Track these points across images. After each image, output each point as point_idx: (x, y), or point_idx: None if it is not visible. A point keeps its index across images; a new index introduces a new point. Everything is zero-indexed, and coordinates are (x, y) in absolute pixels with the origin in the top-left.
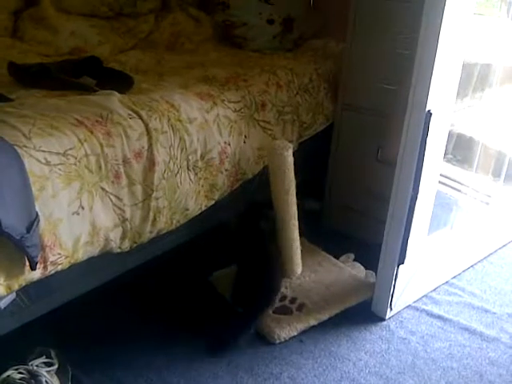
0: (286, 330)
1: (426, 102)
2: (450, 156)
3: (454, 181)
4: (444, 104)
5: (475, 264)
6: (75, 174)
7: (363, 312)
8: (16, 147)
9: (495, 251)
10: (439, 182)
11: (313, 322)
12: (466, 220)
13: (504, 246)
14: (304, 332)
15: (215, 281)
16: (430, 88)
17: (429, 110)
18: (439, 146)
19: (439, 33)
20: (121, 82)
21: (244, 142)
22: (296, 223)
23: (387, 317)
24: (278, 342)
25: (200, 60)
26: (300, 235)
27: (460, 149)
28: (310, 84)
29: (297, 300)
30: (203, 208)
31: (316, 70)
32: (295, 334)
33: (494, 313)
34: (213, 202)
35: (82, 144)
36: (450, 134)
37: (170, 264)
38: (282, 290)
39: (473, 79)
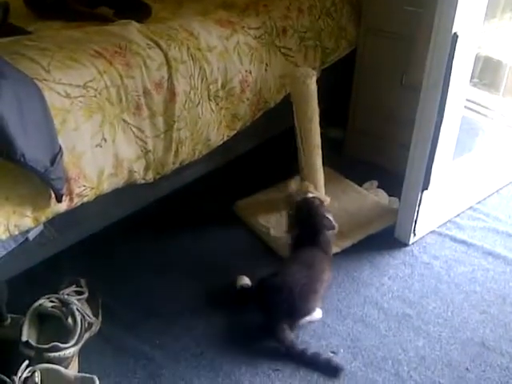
0: None
1: (452, 24)
2: (476, 80)
3: (480, 105)
4: (471, 26)
5: (500, 189)
6: (96, 106)
7: (386, 238)
8: (36, 81)
9: None
10: (465, 106)
11: (336, 250)
12: (491, 145)
13: None
14: None
15: (238, 209)
16: (457, 9)
17: (455, 33)
18: (465, 69)
19: None
20: (138, 10)
21: (265, 70)
22: (320, 152)
23: (410, 242)
24: None
25: None
26: (323, 163)
27: (487, 72)
28: (332, 8)
29: None
30: (225, 138)
31: None
32: None
33: None
34: (235, 132)
35: (102, 75)
36: (477, 57)
37: (193, 194)
38: None
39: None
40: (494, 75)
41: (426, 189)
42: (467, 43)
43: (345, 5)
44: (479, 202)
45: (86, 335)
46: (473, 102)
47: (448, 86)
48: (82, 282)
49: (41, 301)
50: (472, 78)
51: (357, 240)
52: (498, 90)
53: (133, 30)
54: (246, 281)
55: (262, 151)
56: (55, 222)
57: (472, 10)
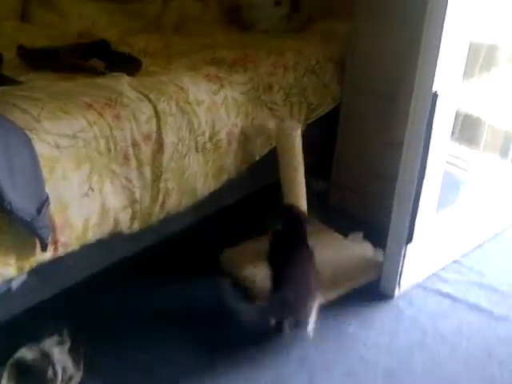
0: None
1: (432, 84)
2: (457, 135)
3: (462, 160)
4: (450, 85)
5: (483, 243)
6: (85, 156)
7: (372, 291)
8: (26, 130)
9: (503, 230)
10: (447, 161)
11: (322, 301)
12: (473, 199)
13: None
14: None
15: (224, 260)
16: (436, 69)
17: (435, 92)
18: (446, 126)
19: (445, 13)
20: (129, 64)
21: (252, 124)
22: (305, 203)
23: (396, 295)
24: None
25: (207, 42)
26: (309, 215)
27: (467, 128)
28: (317, 65)
29: None
30: (212, 189)
31: (323, 52)
32: None
33: (503, 291)
34: (221, 184)
35: (92, 126)
36: (457, 114)
37: (179, 245)
38: None
39: (479, 59)
40: (474, 131)
41: (410, 242)
42: (447, 101)
43: (329, 63)
44: (463, 256)
45: None
46: (454, 156)
47: (429, 142)
48: (65, 331)
49: (21, 351)
50: (453, 133)
51: (342, 292)
52: (479, 146)
53: (123, 83)
54: None
55: (247, 203)
56: (39, 270)
57: (451, 70)
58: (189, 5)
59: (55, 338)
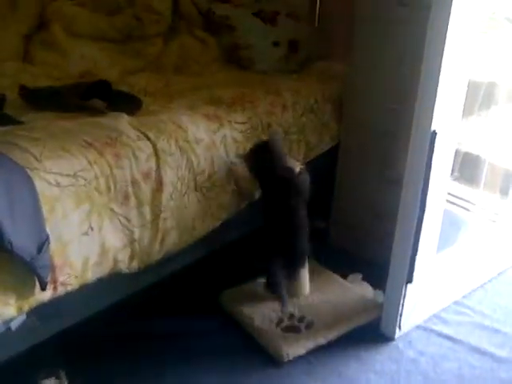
0: (293, 349)
1: (430, 122)
2: (456, 174)
3: (462, 199)
4: (449, 123)
5: (485, 283)
6: (85, 195)
7: (372, 332)
8: (27, 169)
9: (505, 270)
10: (447, 200)
11: (321, 341)
12: (474, 238)
13: None
14: (312, 351)
15: (223, 300)
16: (435, 108)
17: (434, 130)
18: (445, 164)
19: (443, 53)
20: (130, 104)
21: None
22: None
23: (396, 337)
24: (285, 360)
25: (207, 82)
26: (308, 255)
27: (467, 167)
28: (315, 105)
29: (305, 318)
30: (211, 228)
31: (321, 91)
32: (303, 352)
33: (505, 333)
34: (220, 222)
35: (92, 166)
36: (457, 153)
37: (179, 284)
38: (290, 309)
39: (478, 98)
40: (474, 170)
41: (410, 282)
42: (446, 140)
43: (327, 102)
44: (464, 297)
45: None
46: (454, 195)
47: (428, 180)
48: (62, 373)
49: None
50: (452, 172)
51: (342, 332)
52: (479, 184)
53: (123, 122)
54: None
55: (247, 241)
56: (38, 310)
57: (450, 109)
58: (189, 45)
59: (53, 379)
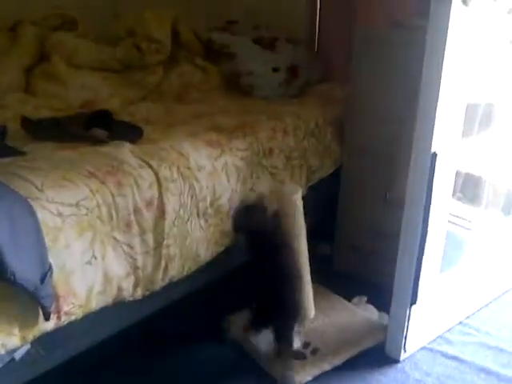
0: (300, 376)
1: (430, 144)
2: (459, 194)
3: (464, 219)
4: (449, 144)
5: (489, 303)
6: (87, 224)
7: (377, 355)
8: (29, 199)
9: (509, 289)
10: (449, 221)
11: (327, 367)
12: (477, 258)
13: None
14: (318, 377)
15: (227, 326)
16: (434, 130)
17: (434, 152)
18: (447, 185)
19: (441, 75)
20: (131, 132)
21: (251, 189)
22: (308, 267)
23: (401, 359)
24: None
25: (208, 109)
26: (312, 280)
27: (468, 187)
28: (316, 129)
29: (310, 345)
30: (214, 254)
31: (322, 115)
32: (309, 379)
33: (510, 352)
34: (223, 248)
35: (94, 195)
36: (458, 173)
37: (183, 311)
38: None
39: (477, 118)
40: (476, 190)
41: (415, 303)
42: (446, 161)
43: (328, 126)
44: (468, 317)
45: None
46: (457, 216)
47: (430, 202)
48: None
49: None
50: (454, 192)
51: (347, 357)
52: (480, 204)
53: (125, 150)
54: None
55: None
56: (42, 340)
57: (449, 130)
58: (189, 73)
59: None
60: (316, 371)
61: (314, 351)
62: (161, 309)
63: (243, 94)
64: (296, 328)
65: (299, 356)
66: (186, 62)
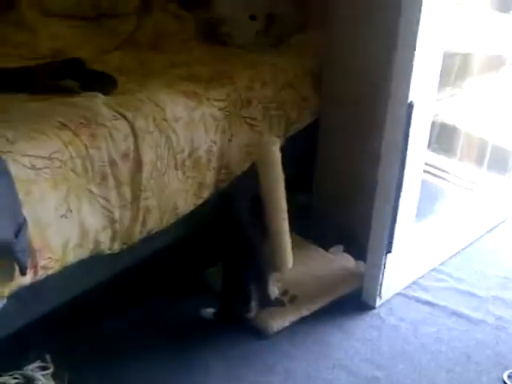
0: (278, 322)
1: (407, 94)
2: (434, 145)
3: (439, 169)
4: (426, 95)
5: (462, 250)
6: (61, 177)
7: (354, 301)
8: (0, 153)
9: (480, 237)
10: (424, 170)
11: (305, 313)
12: (451, 207)
13: (488, 231)
14: (296, 323)
15: (209, 277)
16: (411, 80)
17: (410, 102)
18: (422, 135)
19: (419, 24)
20: (104, 83)
21: (230, 140)
22: (286, 217)
23: (377, 305)
24: (271, 333)
25: (184, 59)
26: (290, 230)
27: (444, 137)
28: (294, 79)
29: (288, 292)
30: (192, 206)
31: (300, 65)
32: (287, 324)
33: (480, 296)
34: (202, 201)
35: (67, 147)
36: (434, 124)
37: (162, 263)
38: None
39: (454, 69)
40: (451, 140)
41: (390, 252)
42: (423, 111)
43: (307, 76)
44: (442, 264)
45: None
46: (432, 166)
47: (406, 152)
48: (48, 356)
49: (4, 378)
50: (430, 143)
51: (325, 303)
52: (456, 154)
53: (98, 102)
54: None
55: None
56: (19, 294)
57: (426, 80)
58: (164, 21)
59: (38, 363)
60: (294, 317)
61: (292, 298)
62: (140, 261)
63: (219, 44)
64: (274, 277)
65: (278, 303)
66: (160, 10)
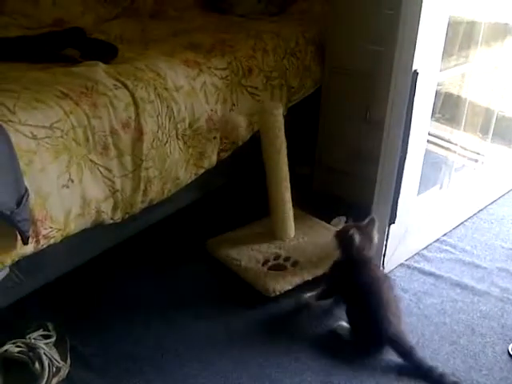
0: (280, 284)
1: (412, 62)
2: (438, 115)
3: (443, 139)
4: (430, 63)
5: (465, 221)
6: (63, 146)
7: None
8: (1, 122)
9: (484, 207)
10: (428, 141)
11: (307, 277)
12: (455, 178)
13: (493, 202)
14: (298, 286)
15: (210, 247)
16: (416, 48)
17: (415, 70)
18: (427, 105)
19: None
20: (105, 52)
21: (231, 110)
22: (288, 185)
23: None
24: (272, 295)
25: (185, 27)
26: (292, 200)
27: (448, 107)
28: (296, 48)
29: (291, 258)
30: (193, 176)
31: (302, 34)
32: (290, 287)
33: (485, 267)
34: (203, 170)
35: (68, 116)
36: (438, 93)
37: (163, 233)
38: (276, 250)
39: (459, 37)
40: (455, 110)
41: (393, 223)
42: (427, 80)
43: (308, 45)
44: (445, 234)
45: (54, 380)
46: (436, 136)
47: (410, 121)
48: (50, 325)
49: (6, 346)
50: (434, 113)
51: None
52: (460, 125)
53: (99, 70)
54: None
55: (231, 189)
56: (21, 264)
57: (431, 48)
58: None
59: (41, 332)
60: (296, 280)
61: (295, 264)
62: (142, 231)
63: (221, 12)
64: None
65: (280, 267)
66: None
